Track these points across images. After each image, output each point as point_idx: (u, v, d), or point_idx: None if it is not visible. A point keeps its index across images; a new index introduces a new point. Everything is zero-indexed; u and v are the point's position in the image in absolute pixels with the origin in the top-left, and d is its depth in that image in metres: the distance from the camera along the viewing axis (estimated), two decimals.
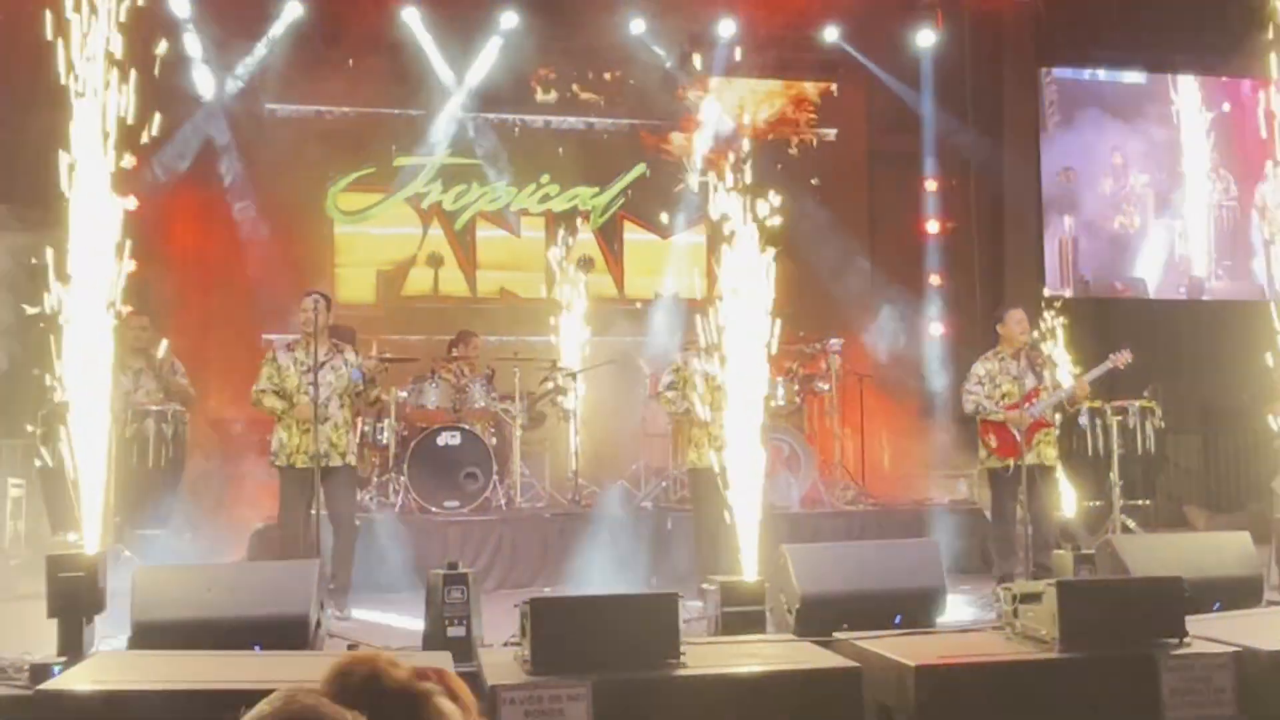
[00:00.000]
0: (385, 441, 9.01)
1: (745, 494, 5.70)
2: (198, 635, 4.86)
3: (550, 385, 9.73)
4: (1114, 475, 8.66)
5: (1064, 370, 7.90)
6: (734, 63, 11.45)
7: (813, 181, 12.25)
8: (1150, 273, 12.60)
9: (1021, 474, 7.35)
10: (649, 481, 9.61)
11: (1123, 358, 7.77)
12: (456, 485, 8.58)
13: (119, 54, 5.28)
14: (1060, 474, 7.87)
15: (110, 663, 4.64)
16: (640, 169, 12.04)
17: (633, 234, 12.14)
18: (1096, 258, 12.48)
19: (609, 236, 12.07)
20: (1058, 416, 8.05)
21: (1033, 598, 4.90)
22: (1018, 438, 7.43)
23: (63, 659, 4.67)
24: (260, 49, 10.96)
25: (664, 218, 12.02)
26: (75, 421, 5.16)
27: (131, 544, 7.33)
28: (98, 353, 5.15)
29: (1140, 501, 9.32)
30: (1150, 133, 12.61)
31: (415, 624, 5.50)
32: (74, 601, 4.86)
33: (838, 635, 5.17)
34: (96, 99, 5.21)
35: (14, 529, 8.41)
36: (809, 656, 4.73)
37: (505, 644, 5.17)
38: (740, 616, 5.42)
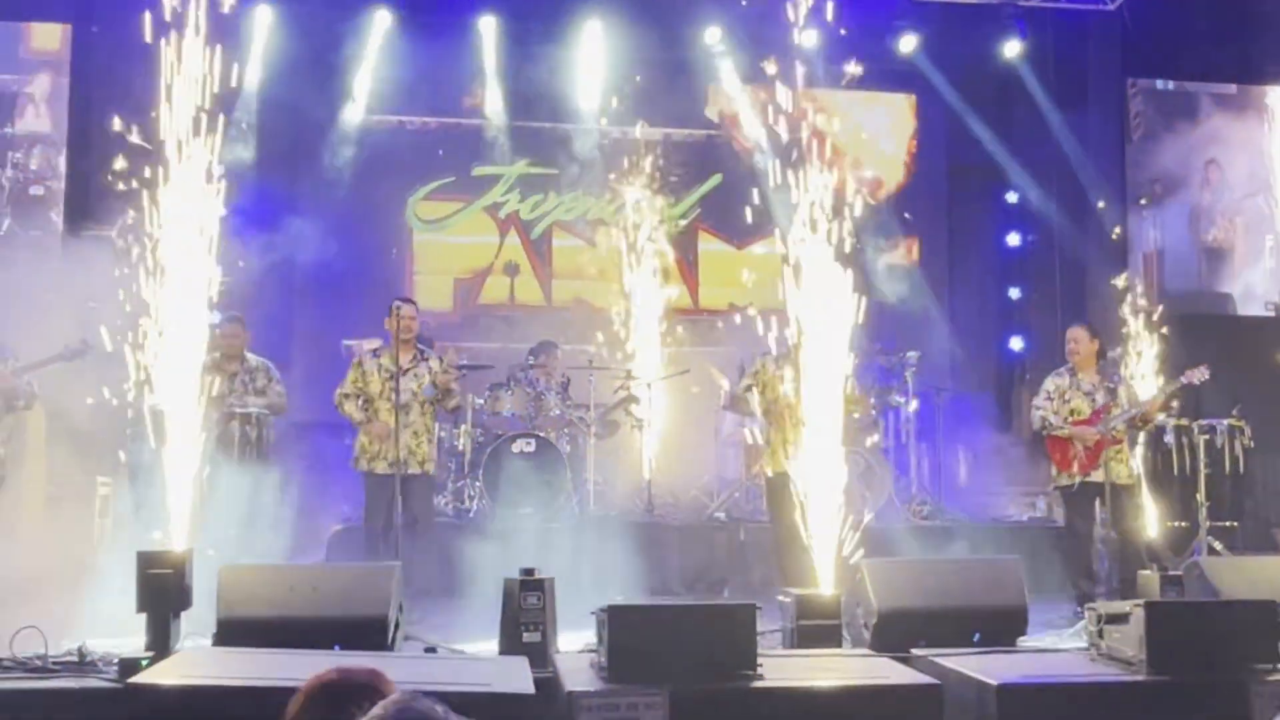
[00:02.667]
0: (461, 448, 9.10)
1: (822, 506, 5.65)
2: (279, 633, 4.92)
3: (624, 394, 9.76)
4: (1201, 496, 8.44)
5: (1140, 385, 7.75)
6: (813, 73, 11.40)
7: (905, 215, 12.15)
8: (1238, 288, 12.28)
9: (1093, 491, 7.25)
10: (722, 491, 9.58)
11: (1197, 374, 7.59)
12: (531, 492, 8.63)
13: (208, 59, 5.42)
14: (1142, 492, 7.70)
15: (196, 658, 4.73)
16: (716, 179, 12.03)
17: (707, 244, 12.13)
18: (1183, 272, 12.18)
19: (684, 247, 12.06)
20: (1141, 435, 7.89)
21: (1119, 618, 4.79)
22: (1081, 454, 7.34)
23: (150, 653, 4.77)
24: (345, 59, 11.14)
25: (739, 228, 11.98)
26: (166, 423, 5.30)
27: (214, 543, 7.46)
28: (190, 356, 5.27)
29: (1227, 523, 9.06)
30: (1242, 145, 12.28)
31: (491, 629, 5.53)
32: (162, 597, 4.96)
33: (915, 652, 5.10)
34: (187, 106, 5.36)
35: (101, 526, 8.62)
36: (888, 672, 4.67)
37: (581, 651, 5.17)
38: (816, 630, 5.37)
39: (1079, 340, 7.67)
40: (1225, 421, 8.87)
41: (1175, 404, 8.70)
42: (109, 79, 9.99)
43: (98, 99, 10.37)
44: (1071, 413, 7.53)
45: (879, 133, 12.33)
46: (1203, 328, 11.67)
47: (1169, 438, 8.84)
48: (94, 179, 10.04)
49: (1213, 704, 4.51)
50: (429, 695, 2.20)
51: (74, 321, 8.09)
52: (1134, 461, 7.76)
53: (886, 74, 12.05)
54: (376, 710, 1.76)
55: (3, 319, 6.94)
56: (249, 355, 8.05)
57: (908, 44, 11.70)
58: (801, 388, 5.80)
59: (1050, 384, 7.71)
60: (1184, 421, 8.80)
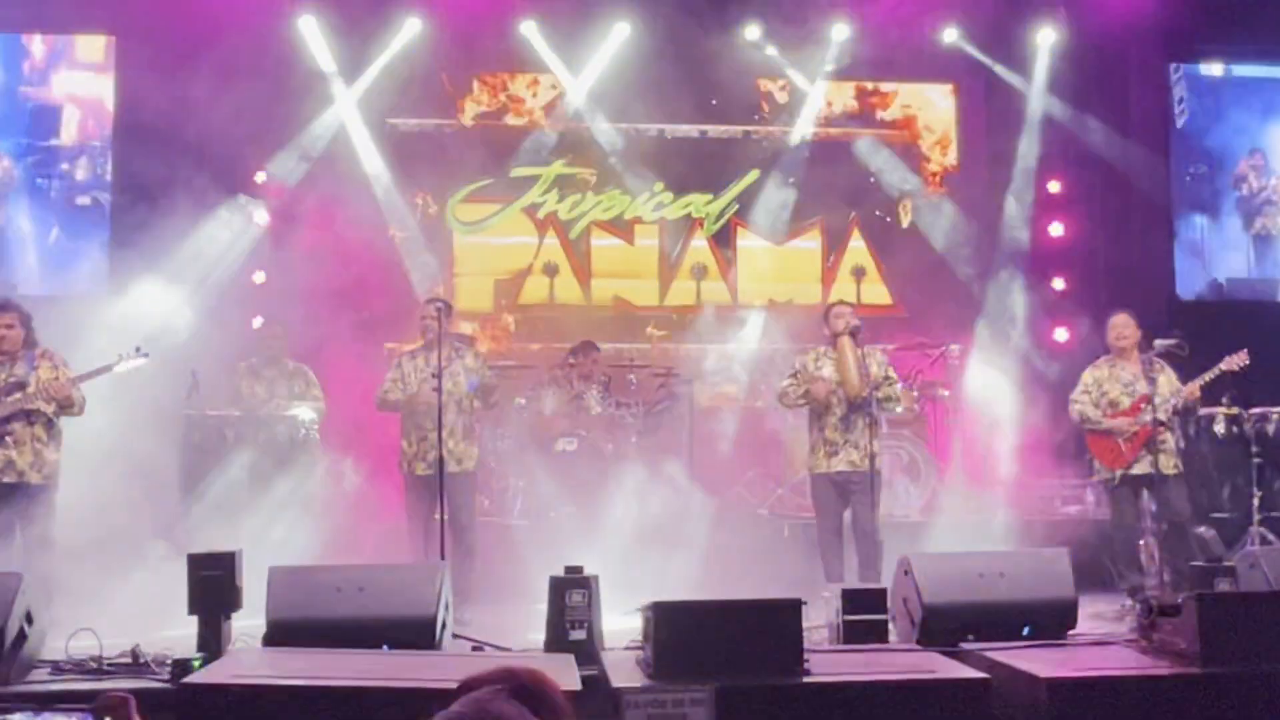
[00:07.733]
0: (503, 447, 9.13)
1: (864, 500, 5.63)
2: (328, 634, 4.99)
3: (665, 392, 9.75)
4: (1253, 486, 8.31)
5: (1181, 374, 7.65)
6: (850, 65, 11.39)
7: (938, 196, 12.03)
8: None
9: (1138, 483, 7.17)
10: (765, 488, 9.55)
11: (1236, 360, 7.48)
12: (573, 491, 8.64)
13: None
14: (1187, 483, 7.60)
15: (247, 659, 4.80)
16: (753, 175, 11.96)
17: (746, 240, 12.10)
18: (1231, 260, 11.99)
19: (722, 243, 12.04)
20: (1192, 427, 7.77)
21: (1171, 610, 4.73)
22: (1123, 447, 7.25)
23: (202, 654, 4.84)
24: (380, 64, 11.17)
25: (777, 224, 11.92)
26: (213, 428, 5.39)
27: (261, 545, 7.54)
28: (234, 360, 5.35)
29: None
30: None
31: (536, 627, 5.55)
32: (213, 599, 5.04)
33: (964, 646, 5.06)
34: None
35: (151, 529, 8.73)
36: (936, 666, 4.64)
37: (626, 647, 5.18)
38: (863, 625, 5.35)
39: (1125, 327, 7.55)
40: (1276, 411, 8.71)
41: (1226, 397, 8.56)
42: (153, 88, 10.10)
43: (143, 108, 10.48)
44: (1110, 405, 7.42)
45: (921, 121, 12.21)
46: (1251, 315, 11.49)
47: (1219, 427, 8.71)
48: (141, 188, 10.15)
49: (1267, 697, 4.44)
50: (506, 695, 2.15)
51: (122, 330, 8.22)
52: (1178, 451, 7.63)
53: (926, 61, 11.93)
54: (456, 708, 1.74)
55: (53, 327, 7.04)
56: (288, 360, 8.14)
57: (950, 34, 11.57)
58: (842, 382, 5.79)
59: (1088, 376, 7.60)
60: (1234, 411, 8.66)
